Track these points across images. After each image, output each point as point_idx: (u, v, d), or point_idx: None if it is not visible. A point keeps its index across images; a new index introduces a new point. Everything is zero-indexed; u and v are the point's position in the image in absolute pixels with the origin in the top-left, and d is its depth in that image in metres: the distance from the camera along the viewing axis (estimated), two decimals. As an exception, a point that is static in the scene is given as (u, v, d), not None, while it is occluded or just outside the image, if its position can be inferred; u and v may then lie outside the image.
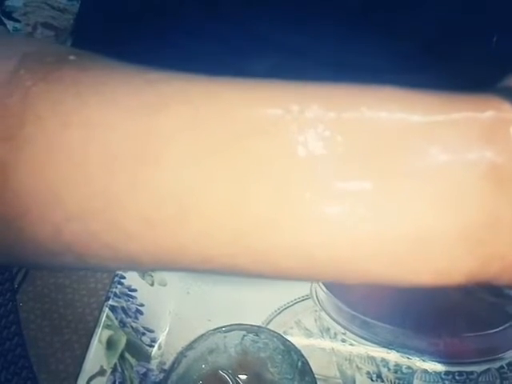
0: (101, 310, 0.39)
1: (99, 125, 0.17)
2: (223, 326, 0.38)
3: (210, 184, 0.17)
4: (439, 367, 0.40)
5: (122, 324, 0.39)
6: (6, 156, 0.17)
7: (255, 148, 0.17)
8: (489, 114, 0.17)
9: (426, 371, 0.40)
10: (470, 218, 0.16)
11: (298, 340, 0.41)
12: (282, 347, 0.37)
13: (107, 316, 0.39)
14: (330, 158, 0.16)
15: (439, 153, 0.16)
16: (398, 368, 0.40)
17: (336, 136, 0.17)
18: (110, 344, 0.38)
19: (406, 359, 0.41)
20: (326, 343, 0.42)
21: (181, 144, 0.17)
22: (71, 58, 0.19)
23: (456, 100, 0.17)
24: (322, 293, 0.44)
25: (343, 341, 0.42)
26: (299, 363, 0.37)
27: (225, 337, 0.38)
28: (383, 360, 0.41)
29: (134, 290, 0.41)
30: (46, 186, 0.17)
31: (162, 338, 0.41)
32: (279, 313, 0.43)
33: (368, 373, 0.40)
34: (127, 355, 0.39)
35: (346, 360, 0.41)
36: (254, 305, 0.43)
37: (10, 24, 0.54)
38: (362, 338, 0.42)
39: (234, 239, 0.17)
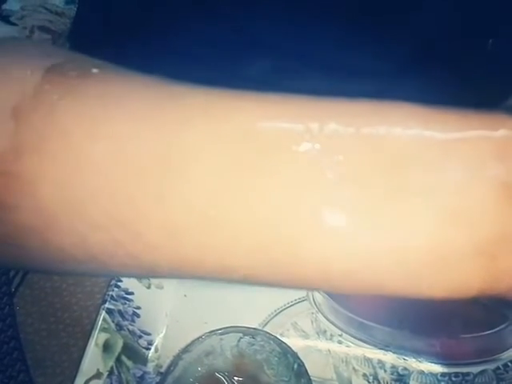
0: (97, 313, 0.39)
1: (125, 138, 0.18)
2: (219, 329, 0.38)
3: (232, 197, 0.17)
4: (435, 368, 0.40)
5: (119, 327, 0.39)
6: (35, 168, 0.18)
7: (277, 164, 0.17)
8: (501, 132, 0.17)
9: (422, 372, 0.40)
10: (484, 233, 0.17)
11: (294, 342, 0.41)
12: (278, 349, 0.37)
13: (104, 319, 0.39)
14: (348, 175, 0.17)
15: (455, 170, 0.17)
16: (394, 369, 0.40)
17: (354, 152, 0.17)
18: (107, 347, 0.38)
19: (403, 361, 0.41)
20: (323, 345, 0.42)
21: (204, 158, 0.17)
22: (94, 71, 0.20)
23: (470, 117, 0.18)
24: (318, 295, 0.44)
25: (340, 342, 0.42)
26: (295, 365, 0.37)
27: (221, 339, 0.38)
28: (380, 362, 0.41)
29: (131, 293, 0.42)
30: (73, 197, 0.18)
31: (158, 340, 0.41)
32: (276, 315, 0.43)
33: (364, 375, 0.40)
34: (124, 358, 0.39)
35: (342, 362, 0.41)
36: (250, 307, 0.43)
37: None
38: (358, 339, 0.42)
39: (255, 251, 0.18)
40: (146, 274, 0.21)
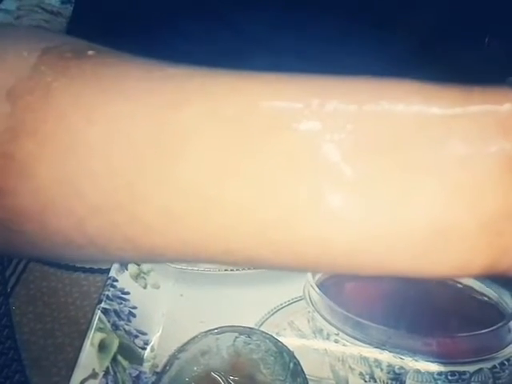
0: (93, 313, 0.39)
1: (122, 120, 0.18)
2: (215, 328, 0.38)
3: (232, 177, 0.17)
4: (432, 367, 0.40)
5: (115, 327, 0.39)
6: (31, 150, 0.18)
7: (277, 142, 0.17)
8: (506, 106, 0.17)
9: (418, 371, 0.40)
10: (489, 209, 0.16)
11: (291, 341, 0.41)
12: (274, 349, 0.37)
13: (99, 319, 0.39)
14: (350, 152, 0.17)
15: (458, 145, 0.16)
16: (390, 368, 0.40)
17: (356, 130, 0.17)
18: (103, 347, 0.38)
19: (399, 359, 0.41)
20: (319, 344, 0.42)
21: (203, 138, 0.17)
22: (90, 52, 0.19)
23: (474, 93, 0.17)
24: (314, 294, 0.44)
25: (336, 341, 0.42)
26: (291, 364, 0.37)
27: (217, 339, 0.38)
28: (376, 360, 0.41)
29: (127, 293, 0.42)
30: (70, 179, 0.18)
31: (154, 340, 0.41)
32: (272, 314, 0.43)
33: (361, 373, 0.40)
34: (120, 358, 0.39)
35: (338, 361, 0.41)
36: (247, 306, 0.43)
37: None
38: (354, 338, 0.42)
39: (258, 232, 0.17)
40: (147, 258, 0.21)
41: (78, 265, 0.45)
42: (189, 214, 0.17)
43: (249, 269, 0.46)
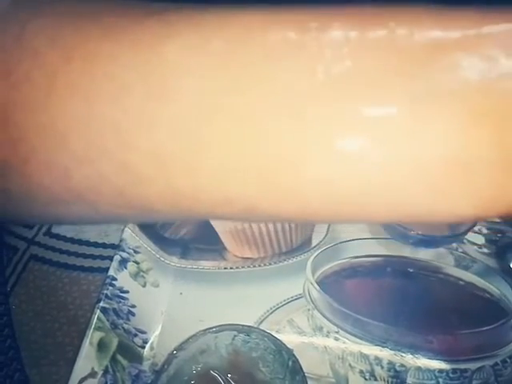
0: (92, 312, 0.39)
1: (103, 57, 0.16)
2: (214, 327, 0.38)
3: (225, 116, 0.15)
4: (433, 365, 0.40)
5: (114, 326, 0.39)
6: (5, 96, 0.16)
7: (273, 74, 0.15)
8: None
9: (419, 369, 0.40)
10: None
11: (290, 339, 0.41)
12: (272, 347, 0.37)
13: (98, 318, 0.39)
14: (355, 82, 0.15)
15: (479, 66, 0.15)
16: (391, 366, 0.40)
17: (361, 57, 0.15)
18: (102, 346, 0.38)
19: (400, 357, 0.40)
20: (319, 342, 0.41)
21: (191, 73, 0.16)
22: None
23: (494, 13, 0.15)
24: (314, 291, 0.44)
25: (336, 339, 0.41)
26: (290, 362, 0.37)
27: (216, 337, 0.38)
28: (376, 358, 0.40)
29: (126, 292, 0.42)
30: (51, 125, 0.16)
31: (154, 339, 0.41)
32: (272, 312, 0.43)
33: (361, 371, 0.40)
34: (119, 357, 0.39)
35: (338, 359, 0.41)
36: (246, 305, 0.43)
37: None
38: (355, 336, 0.41)
39: (255, 177, 0.16)
40: (140, 214, 0.19)
41: (78, 264, 0.45)
42: (179, 158, 0.16)
43: (248, 267, 0.45)
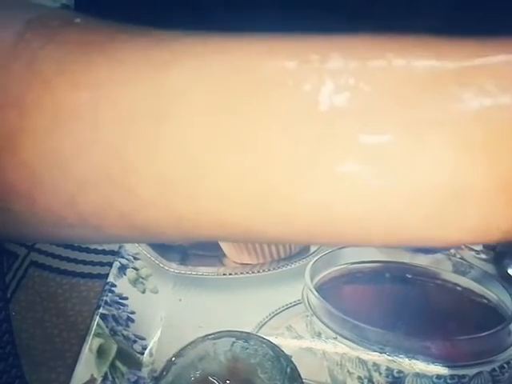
0: (92, 319, 0.39)
1: (108, 84, 0.17)
2: (212, 333, 0.38)
3: (224, 141, 0.16)
4: (431, 371, 0.40)
5: (113, 332, 0.39)
6: (14, 123, 0.17)
7: (273, 102, 0.16)
8: None
9: (417, 375, 0.40)
10: (507, 167, 0.15)
11: (289, 345, 0.41)
12: (271, 353, 0.37)
13: (98, 324, 0.39)
14: (353, 111, 0.15)
15: (472, 99, 0.15)
16: (389, 372, 0.40)
17: (360, 86, 0.15)
18: (101, 352, 0.38)
19: (398, 363, 0.40)
20: (318, 348, 0.42)
21: (193, 100, 0.16)
22: (77, 20, 0.19)
23: (490, 44, 0.16)
24: (313, 297, 0.44)
25: (334, 345, 0.42)
26: (288, 369, 0.37)
27: (214, 343, 0.38)
28: (374, 364, 0.40)
29: (125, 298, 0.42)
30: (57, 152, 0.17)
31: (153, 345, 0.41)
32: (270, 318, 0.43)
33: (359, 377, 0.40)
34: (118, 363, 0.39)
35: (337, 365, 0.41)
36: (245, 311, 0.43)
37: None
38: (353, 342, 0.41)
39: (254, 201, 0.16)
40: (142, 236, 0.19)
41: (78, 270, 0.45)
42: (181, 183, 0.16)
43: (247, 273, 0.46)
